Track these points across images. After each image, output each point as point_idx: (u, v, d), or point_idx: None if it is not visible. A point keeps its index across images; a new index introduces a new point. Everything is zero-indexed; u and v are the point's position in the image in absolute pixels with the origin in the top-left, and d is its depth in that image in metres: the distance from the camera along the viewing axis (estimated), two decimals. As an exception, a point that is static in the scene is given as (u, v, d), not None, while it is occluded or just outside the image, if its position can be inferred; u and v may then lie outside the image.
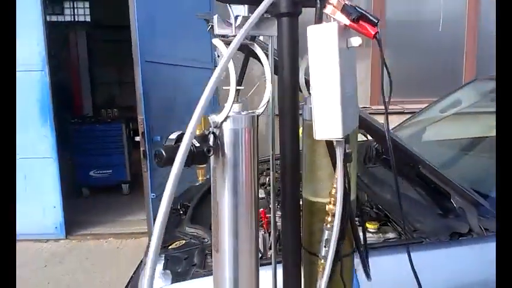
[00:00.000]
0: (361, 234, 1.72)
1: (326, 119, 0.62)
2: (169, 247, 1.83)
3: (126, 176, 5.63)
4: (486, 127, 2.35)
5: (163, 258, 1.69)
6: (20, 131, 3.74)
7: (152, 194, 2.75)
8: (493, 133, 2.48)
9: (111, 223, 4.61)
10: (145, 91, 2.60)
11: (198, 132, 0.65)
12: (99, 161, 5.38)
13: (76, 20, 8.58)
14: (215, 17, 0.77)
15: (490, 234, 1.40)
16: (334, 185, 0.72)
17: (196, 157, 0.63)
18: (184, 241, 1.84)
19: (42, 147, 3.79)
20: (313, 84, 0.63)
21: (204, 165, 0.69)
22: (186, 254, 1.69)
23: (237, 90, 0.72)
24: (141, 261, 2.55)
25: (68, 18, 8.56)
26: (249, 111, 0.75)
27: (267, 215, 1.93)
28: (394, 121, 3.35)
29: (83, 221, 4.56)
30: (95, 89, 7.55)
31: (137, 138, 2.66)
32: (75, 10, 8.64)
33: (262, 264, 1.41)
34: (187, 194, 2.62)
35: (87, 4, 8.57)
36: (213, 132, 0.68)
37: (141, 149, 2.62)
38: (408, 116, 3.27)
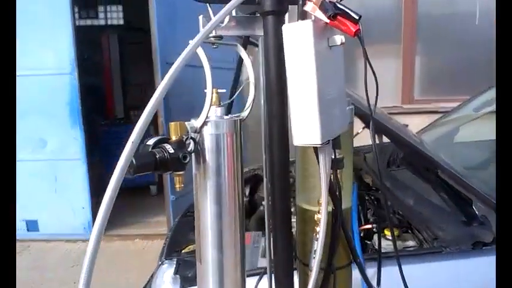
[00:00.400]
0: (376, 240, 1.64)
1: (303, 124, 0.57)
2: (183, 251, 1.81)
3: (154, 177, 5.70)
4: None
5: (175, 262, 1.67)
6: (51, 134, 3.86)
7: (172, 196, 2.76)
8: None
9: (138, 224, 4.68)
10: (166, 93, 2.58)
11: (174, 138, 0.62)
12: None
13: (109, 23, 8.81)
14: (200, 17, 0.74)
15: None
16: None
17: (171, 164, 0.60)
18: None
19: (72, 149, 3.90)
20: (289, 86, 0.58)
21: (182, 172, 0.65)
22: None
23: (217, 94, 0.68)
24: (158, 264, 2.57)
25: (102, 22, 8.81)
26: (232, 116, 0.71)
27: None
28: (426, 121, 3.20)
29: (111, 221, 4.58)
30: (126, 91, 7.73)
31: (157, 140, 2.66)
32: (109, 14, 8.87)
33: (249, 275, 1.37)
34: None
35: (120, 7, 8.78)
36: (192, 138, 0.65)
37: (161, 151, 2.64)
38: (441, 115, 3.12)
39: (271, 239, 0.76)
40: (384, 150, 2.74)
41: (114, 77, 7.04)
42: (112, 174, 0.59)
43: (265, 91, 0.72)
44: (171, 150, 0.60)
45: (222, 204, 0.69)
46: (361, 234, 1.71)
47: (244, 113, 0.75)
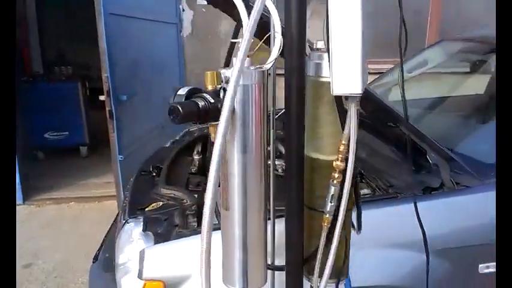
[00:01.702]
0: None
1: (346, 74, 0.60)
2: (146, 209, 1.80)
3: (85, 138, 5.40)
4: (452, 86, 2.44)
5: (141, 220, 1.66)
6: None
7: (120, 156, 2.66)
8: (458, 92, 2.59)
9: (72, 187, 4.46)
10: (109, 47, 2.44)
11: (210, 88, 0.61)
12: (54, 122, 5.10)
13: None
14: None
15: (461, 188, 1.49)
16: (343, 141, 0.72)
17: (211, 113, 0.60)
18: (161, 203, 1.81)
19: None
20: (333, 37, 0.60)
21: (218, 123, 0.65)
22: (165, 216, 1.67)
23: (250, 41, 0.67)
24: (113, 223, 2.51)
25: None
26: (257, 66, 0.71)
27: None
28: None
29: (41, 185, 4.37)
30: (45, 44, 7.02)
31: (102, 98, 2.52)
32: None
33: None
34: (158, 155, 2.56)
35: None
36: (224, 88, 0.65)
37: (107, 109, 2.49)
38: (375, 76, 3.32)
39: (287, 184, 0.80)
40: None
41: (30, 28, 6.32)
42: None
43: (285, 44, 0.74)
44: (212, 100, 0.60)
45: (249, 154, 0.71)
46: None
47: (268, 65, 0.75)
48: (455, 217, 1.48)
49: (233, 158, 0.71)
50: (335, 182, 0.75)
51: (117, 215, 2.65)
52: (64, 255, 3.27)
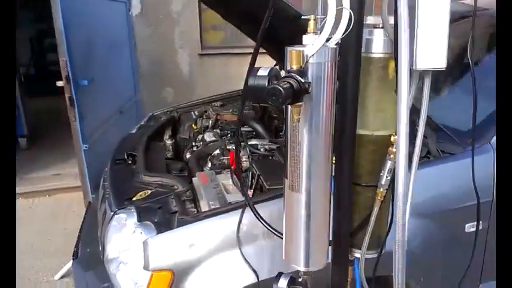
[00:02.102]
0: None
1: (431, 49, 0.61)
2: (133, 199, 1.72)
3: (23, 129, 5.00)
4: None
5: (133, 210, 1.58)
6: None
7: (85, 146, 2.49)
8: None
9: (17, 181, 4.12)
10: (64, 27, 2.23)
11: (295, 67, 0.59)
12: (-12, 112, 4.64)
13: None
14: None
15: (446, 155, 1.60)
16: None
17: (301, 93, 0.58)
18: (149, 191, 1.74)
19: None
20: (420, 12, 0.61)
21: (301, 103, 0.63)
22: (158, 204, 1.61)
23: (315, 20, 0.65)
24: (85, 216, 2.37)
25: None
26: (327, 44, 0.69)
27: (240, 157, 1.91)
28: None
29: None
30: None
31: (60, 83, 2.32)
32: None
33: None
34: (128, 142, 2.44)
35: None
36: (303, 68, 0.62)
37: (67, 95, 2.30)
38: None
39: (338, 162, 0.80)
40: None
41: None
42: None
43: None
44: (302, 80, 0.58)
45: (320, 134, 0.70)
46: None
47: (332, 43, 0.73)
48: (442, 183, 1.58)
49: (304, 139, 0.70)
50: (392, 156, 0.77)
51: (88, 207, 2.51)
52: (20, 255, 3.04)
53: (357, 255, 0.90)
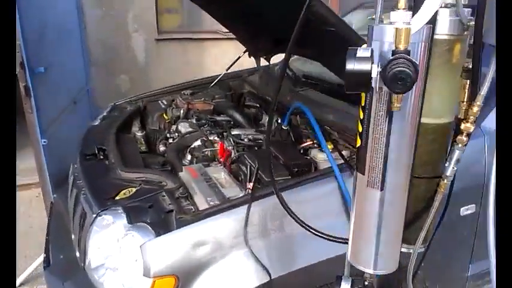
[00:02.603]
0: (317, 154, 1.76)
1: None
2: (117, 198, 1.56)
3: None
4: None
5: (120, 211, 1.43)
6: None
7: (43, 140, 2.23)
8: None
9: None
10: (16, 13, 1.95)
11: (402, 47, 0.51)
12: None
13: None
14: None
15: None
16: (478, 102, 0.69)
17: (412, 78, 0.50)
18: (134, 188, 1.59)
19: None
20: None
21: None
22: (147, 202, 1.47)
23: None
24: (50, 218, 2.14)
25: None
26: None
27: (227, 148, 1.80)
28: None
29: None
30: None
31: (12, 71, 2.04)
32: None
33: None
34: (93, 135, 2.23)
35: None
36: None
37: (22, 84, 2.03)
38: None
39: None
40: (271, 72, 2.84)
41: None
42: None
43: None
44: (415, 61, 0.49)
45: (410, 124, 0.62)
46: (301, 151, 1.81)
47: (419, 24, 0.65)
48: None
49: (395, 130, 0.61)
50: (460, 145, 0.72)
51: (51, 208, 2.27)
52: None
53: (404, 249, 0.85)
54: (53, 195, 2.40)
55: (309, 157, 1.77)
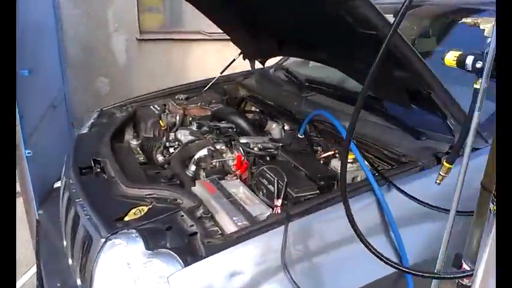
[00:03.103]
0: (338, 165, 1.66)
1: None
2: (126, 219, 1.39)
3: None
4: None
5: (135, 234, 1.27)
6: None
7: (28, 151, 2.01)
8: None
9: None
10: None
11: None
12: None
13: None
14: None
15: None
16: None
17: None
18: (145, 207, 1.42)
19: None
20: None
21: None
22: (164, 223, 1.31)
23: None
24: (37, 240, 1.92)
25: None
26: None
27: (245, 161, 1.66)
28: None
29: None
30: None
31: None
32: None
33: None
34: (83, 146, 2.03)
35: None
36: None
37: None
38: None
39: None
40: (267, 75, 2.72)
41: None
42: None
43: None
44: None
45: None
46: (321, 162, 1.70)
47: None
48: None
49: None
50: None
51: (37, 227, 2.04)
52: None
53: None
54: (38, 211, 2.18)
55: (330, 168, 1.66)
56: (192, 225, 1.28)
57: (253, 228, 1.21)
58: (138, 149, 2.14)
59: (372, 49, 1.38)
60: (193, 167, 1.92)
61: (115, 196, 1.54)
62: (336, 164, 1.67)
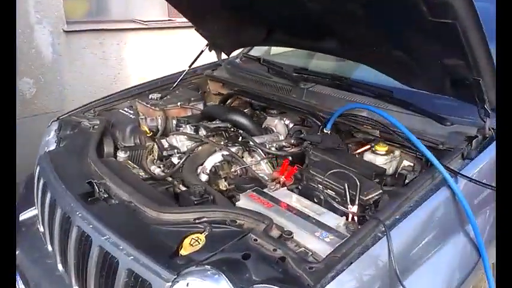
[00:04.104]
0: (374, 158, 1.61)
1: None
2: (183, 252, 1.16)
3: None
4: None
5: (211, 270, 1.06)
6: None
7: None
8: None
9: None
10: None
11: None
12: None
13: None
14: None
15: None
16: None
17: None
18: (199, 234, 1.20)
19: None
20: None
21: None
22: (235, 251, 1.12)
23: None
24: None
25: None
26: None
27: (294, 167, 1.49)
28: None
29: None
30: None
31: None
32: None
33: None
34: (66, 166, 1.67)
35: None
36: None
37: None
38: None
39: None
40: (239, 67, 2.53)
41: None
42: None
43: None
44: None
45: None
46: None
47: None
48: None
49: None
50: None
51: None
52: None
53: None
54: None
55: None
56: (275, 249, 1.11)
57: (350, 243, 1.10)
58: (130, 162, 1.84)
59: (433, 39, 1.34)
60: (204, 177, 1.71)
61: (147, 226, 1.29)
62: (371, 158, 1.62)
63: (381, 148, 1.61)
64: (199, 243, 1.19)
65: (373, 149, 1.62)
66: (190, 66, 2.55)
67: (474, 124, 1.57)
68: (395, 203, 1.21)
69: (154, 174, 1.79)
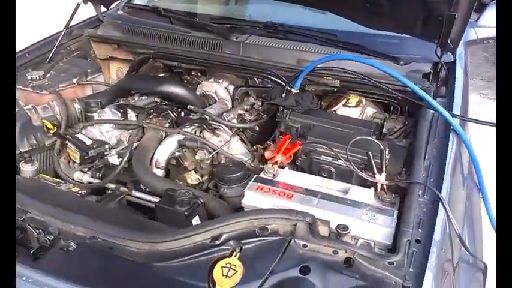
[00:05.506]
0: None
1: None
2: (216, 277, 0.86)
3: None
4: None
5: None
6: None
7: None
8: None
9: None
10: None
11: None
12: None
13: None
14: None
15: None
16: None
17: None
18: (231, 259, 0.91)
19: None
20: None
21: None
22: (287, 269, 0.88)
23: None
24: None
25: None
26: None
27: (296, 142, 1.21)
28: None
29: None
30: None
31: None
32: None
33: None
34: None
35: None
36: None
37: None
38: None
39: None
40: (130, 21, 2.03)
41: None
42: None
43: None
44: None
45: None
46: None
47: None
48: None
49: None
50: None
51: None
52: None
53: None
54: None
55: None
56: (335, 251, 0.91)
57: (411, 219, 0.96)
58: (44, 175, 1.32)
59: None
60: (159, 172, 1.35)
61: (147, 268, 0.92)
62: (344, 111, 1.49)
63: (353, 100, 1.49)
64: (236, 271, 0.89)
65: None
66: (66, 26, 1.93)
67: (427, 60, 1.57)
68: (419, 160, 1.12)
69: (84, 182, 1.34)
